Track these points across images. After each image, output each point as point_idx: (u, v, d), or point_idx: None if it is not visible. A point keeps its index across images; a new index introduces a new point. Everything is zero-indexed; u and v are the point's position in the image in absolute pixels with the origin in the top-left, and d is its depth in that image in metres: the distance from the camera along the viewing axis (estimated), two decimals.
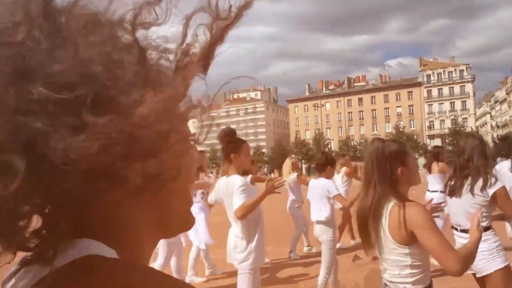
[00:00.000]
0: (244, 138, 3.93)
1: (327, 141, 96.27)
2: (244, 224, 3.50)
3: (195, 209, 6.15)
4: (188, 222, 0.69)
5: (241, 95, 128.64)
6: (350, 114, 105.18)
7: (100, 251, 0.53)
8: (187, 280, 6.06)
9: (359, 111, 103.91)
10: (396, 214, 2.06)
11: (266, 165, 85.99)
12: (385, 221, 2.13)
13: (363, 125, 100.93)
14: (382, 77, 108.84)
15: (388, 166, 2.16)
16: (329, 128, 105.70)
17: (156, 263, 5.42)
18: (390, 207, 2.11)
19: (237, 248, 3.54)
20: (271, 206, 13.08)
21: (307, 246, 8.02)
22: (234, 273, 4.27)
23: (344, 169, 8.85)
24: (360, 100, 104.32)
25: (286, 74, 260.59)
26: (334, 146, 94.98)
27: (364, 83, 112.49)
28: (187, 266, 6.31)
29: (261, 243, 3.55)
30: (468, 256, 2.07)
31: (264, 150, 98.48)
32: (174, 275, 5.89)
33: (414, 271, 2.09)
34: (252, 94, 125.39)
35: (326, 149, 75.49)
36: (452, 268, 1.95)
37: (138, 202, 0.58)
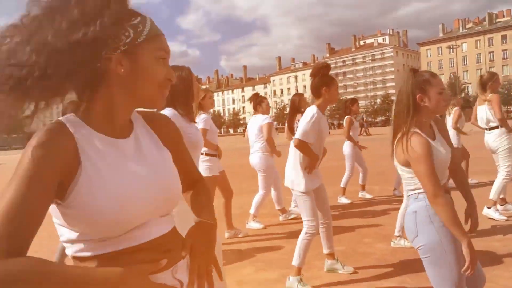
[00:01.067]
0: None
1: (464, 85, 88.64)
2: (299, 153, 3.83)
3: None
4: (155, 101, 1.16)
5: (368, 40, 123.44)
6: (491, 54, 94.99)
7: (66, 119, 1.09)
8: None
9: (503, 50, 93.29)
10: (403, 141, 2.29)
11: None
12: (396, 145, 2.37)
13: (506, 65, 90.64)
14: None
15: (411, 94, 2.34)
16: (466, 71, 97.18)
17: (258, 194, 6.25)
18: (401, 134, 2.33)
19: (292, 172, 3.87)
20: (379, 153, 13.19)
21: None
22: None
23: (455, 110, 8.66)
24: (504, 37, 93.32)
25: (417, 15, 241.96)
26: (471, 90, 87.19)
27: (508, 18, 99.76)
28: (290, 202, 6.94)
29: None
30: (453, 216, 2.17)
31: (393, 98, 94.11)
32: (276, 206, 6.70)
33: (413, 187, 2.35)
34: (380, 39, 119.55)
35: (463, 94, 69.74)
36: (428, 193, 2.20)
37: (117, 84, 1.11)
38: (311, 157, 3.76)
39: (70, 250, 1.10)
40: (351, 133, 7.87)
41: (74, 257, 1.10)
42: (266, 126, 6.10)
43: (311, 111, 3.78)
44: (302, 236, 3.79)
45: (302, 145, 3.72)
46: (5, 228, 0.92)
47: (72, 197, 1.02)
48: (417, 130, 2.30)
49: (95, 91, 1.10)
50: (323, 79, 3.77)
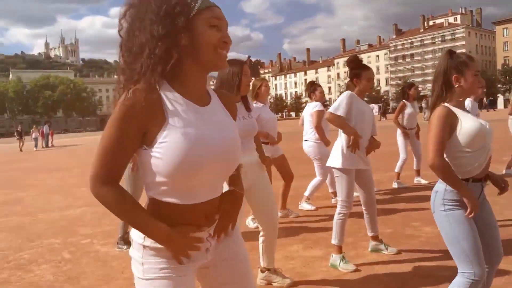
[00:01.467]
0: None
1: None
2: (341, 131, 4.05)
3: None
4: (215, 62, 1.40)
5: (438, 20, 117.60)
6: None
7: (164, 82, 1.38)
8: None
9: None
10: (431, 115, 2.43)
11: None
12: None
13: None
14: None
15: (447, 73, 2.43)
16: None
17: (316, 179, 6.47)
18: (431, 108, 2.46)
19: (334, 149, 4.10)
20: None
21: None
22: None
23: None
24: None
25: None
26: None
27: None
28: None
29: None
30: (449, 178, 2.33)
31: None
32: (329, 188, 6.92)
33: None
34: (451, 19, 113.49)
35: None
36: (429, 159, 2.34)
37: (184, 54, 1.36)
38: (346, 131, 3.94)
39: (146, 190, 1.44)
40: (404, 120, 7.83)
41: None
42: (315, 114, 6.25)
43: (344, 94, 4.07)
44: (336, 216, 4.01)
45: (332, 118, 3.98)
46: (104, 158, 1.32)
47: (156, 146, 1.31)
48: (446, 104, 2.42)
49: (173, 64, 1.36)
50: (352, 71, 4.11)
